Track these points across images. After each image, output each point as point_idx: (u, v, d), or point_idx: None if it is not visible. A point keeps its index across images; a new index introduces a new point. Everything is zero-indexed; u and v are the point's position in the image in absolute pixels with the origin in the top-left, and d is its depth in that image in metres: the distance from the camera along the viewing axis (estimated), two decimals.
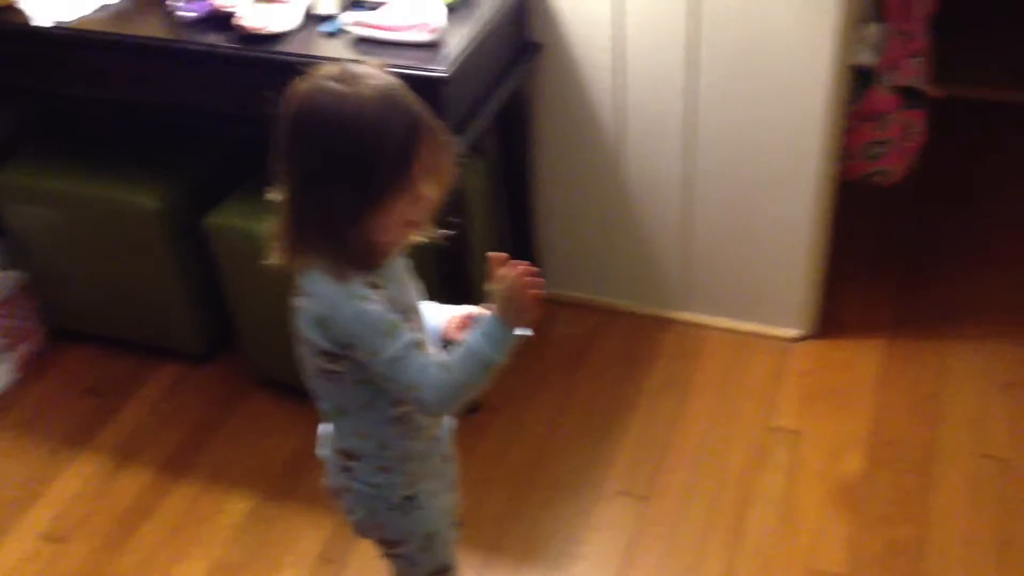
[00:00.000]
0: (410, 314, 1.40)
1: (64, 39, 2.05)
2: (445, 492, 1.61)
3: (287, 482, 2.22)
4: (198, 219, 2.20)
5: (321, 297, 1.32)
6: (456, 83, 1.82)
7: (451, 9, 1.95)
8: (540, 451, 2.25)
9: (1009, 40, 3.39)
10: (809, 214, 2.25)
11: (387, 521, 1.54)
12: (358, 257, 1.30)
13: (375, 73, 1.28)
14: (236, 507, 2.18)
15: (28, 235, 2.45)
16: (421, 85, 1.75)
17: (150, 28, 2.02)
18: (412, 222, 1.32)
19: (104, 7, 2.11)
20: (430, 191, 1.29)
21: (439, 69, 1.80)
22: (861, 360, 2.38)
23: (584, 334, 2.50)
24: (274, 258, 1.34)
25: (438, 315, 1.50)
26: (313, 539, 2.10)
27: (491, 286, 1.33)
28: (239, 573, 2.04)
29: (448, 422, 1.58)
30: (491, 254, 1.35)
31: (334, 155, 1.25)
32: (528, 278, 1.31)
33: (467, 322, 1.47)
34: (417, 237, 1.36)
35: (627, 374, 2.39)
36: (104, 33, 2.03)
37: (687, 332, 2.50)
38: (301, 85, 1.28)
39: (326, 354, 1.36)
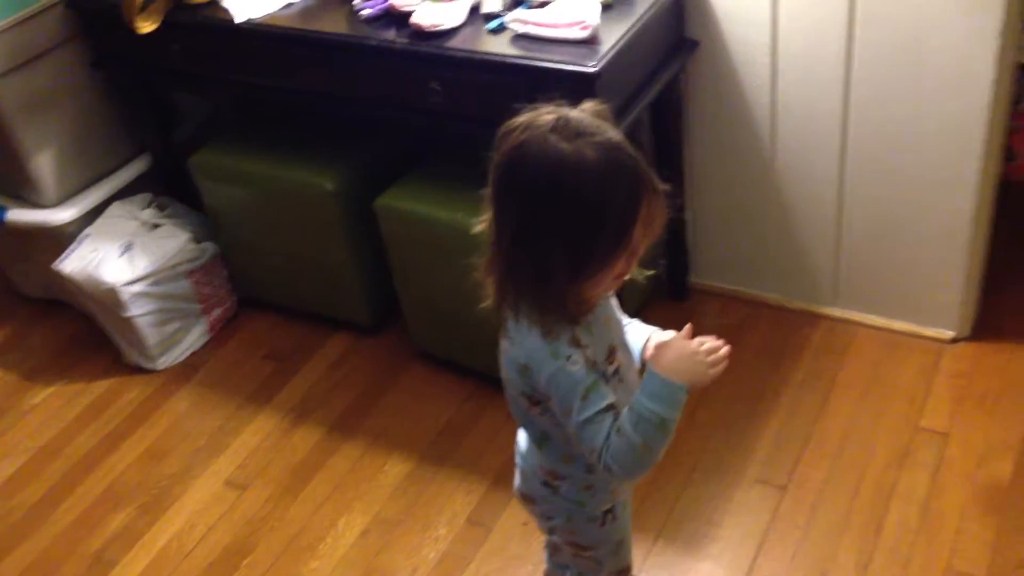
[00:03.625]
0: (614, 353, 1.38)
1: (255, 34, 2.21)
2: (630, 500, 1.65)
3: (442, 448, 2.35)
4: (369, 201, 2.33)
5: (526, 348, 1.30)
6: (607, 78, 1.88)
7: (609, 7, 2.01)
8: (681, 436, 2.25)
9: None
10: (969, 214, 2.19)
11: (584, 529, 1.56)
12: (568, 312, 1.28)
13: (595, 126, 1.21)
14: (395, 468, 2.32)
15: (221, 211, 2.65)
16: (574, 80, 1.87)
17: (332, 24, 2.15)
18: (624, 273, 1.29)
19: (290, 5, 2.24)
20: (645, 241, 1.26)
21: (590, 65, 1.86)
22: (1018, 366, 2.30)
23: (731, 325, 2.52)
24: (488, 301, 1.31)
25: (641, 335, 1.48)
26: (464, 503, 2.22)
27: (668, 345, 1.32)
28: (395, 528, 2.19)
29: None
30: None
31: (555, 219, 1.20)
32: (708, 349, 1.31)
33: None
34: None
35: (772, 366, 2.40)
36: (290, 28, 2.18)
37: (836, 328, 2.48)
38: (518, 133, 1.21)
39: (526, 396, 1.37)
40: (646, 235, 1.25)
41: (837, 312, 2.50)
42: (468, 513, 2.20)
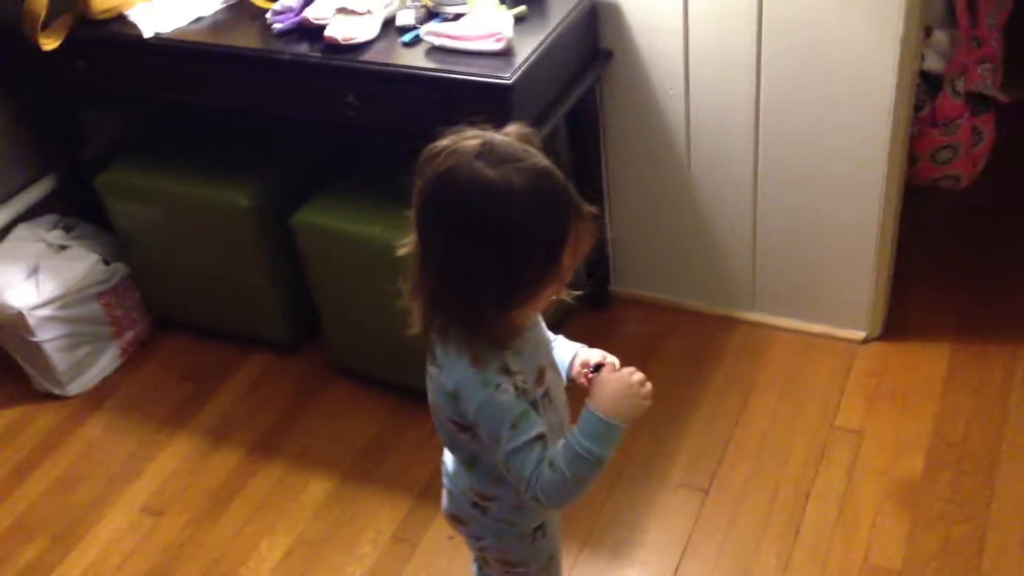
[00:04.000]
0: (543, 375, 1.36)
1: (164, 49, 2.16)
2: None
3: (365, 465, 2.33)
4: (286, 217, 2.30)
5: (455, 375, 1.28)
6: (522, 89, 1.89)
7: (522, 20, 2.02)
8: None
9: None
10: (876, 217, 2.25)
11: (515, 547, 1.55)
12: (497, 338, 1.26)
13: (521, 151, 1.19)
14: (318, 487, 2.29)
15: (132, 230, 2.58)
16: (489, 92, 1.87)
17: (243, 39, 2.12)
18: (553, 297, 1.28)
19: (200, 19, 2.21)
20: (573, 265, 1.25)
21: (505, 77, 1.87)
22: (927, 363, 2.37)
23: (652, 332, 2.54)
24: (414, 326, 1.29)
25: (567, 352, 1.47)
26: (388, 519, 2.19)
27: (597, 383, 1.32)
28: (320, 548, 2.15)
29: None
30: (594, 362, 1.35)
31: (483, 247, 1.18)
32: (641, 382, 1.32)
33: (589, 371, 1.41)
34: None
35: (693, 372, 2.43)
36: (200, 43, 2.14)
37: (753, 332, 2.52)
38: (442, 158, 1.18)
39: (455, 422, 1.35)
40: (575, 259, 1.24)
41: (755, 317, 2.54)
42: (393, 530, 2.18)
